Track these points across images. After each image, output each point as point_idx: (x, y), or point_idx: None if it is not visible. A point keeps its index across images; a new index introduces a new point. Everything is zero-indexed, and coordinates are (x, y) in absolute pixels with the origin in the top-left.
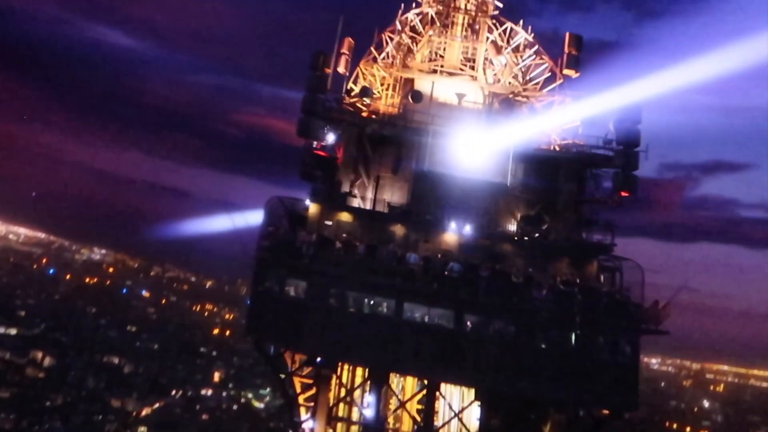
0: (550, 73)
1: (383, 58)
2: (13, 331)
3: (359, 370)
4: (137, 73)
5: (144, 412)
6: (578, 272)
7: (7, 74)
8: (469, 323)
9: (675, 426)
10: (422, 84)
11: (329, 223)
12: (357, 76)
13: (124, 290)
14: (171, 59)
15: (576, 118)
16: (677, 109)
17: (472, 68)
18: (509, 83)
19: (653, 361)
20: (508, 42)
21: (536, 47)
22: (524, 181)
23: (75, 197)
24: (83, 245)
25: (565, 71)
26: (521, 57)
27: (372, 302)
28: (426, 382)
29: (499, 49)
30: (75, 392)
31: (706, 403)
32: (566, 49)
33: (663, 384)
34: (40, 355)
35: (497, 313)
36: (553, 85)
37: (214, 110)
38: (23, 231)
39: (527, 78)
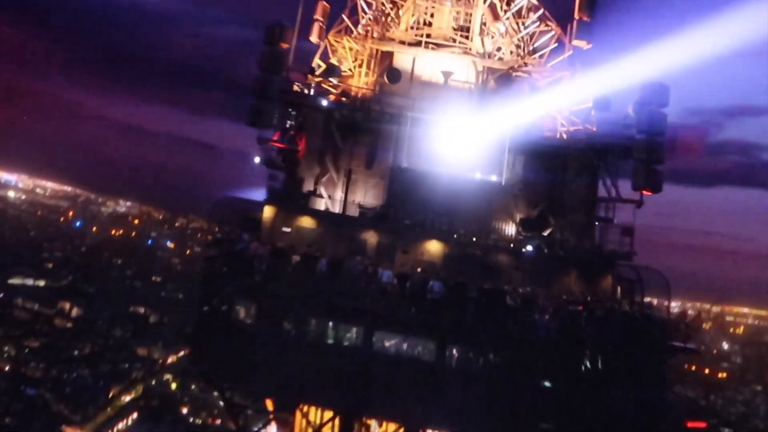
0: (556, 44)
1: (359, 28)
2: (41, 283)
3: None
4: (160, 27)
5: (169, 360)
6: (589, 287)
7: (29, 30)
8: (454, 355)
9: (694, 368)
10: (403, 59)
11: (287, 230)
12: (325, 51)
13: (150, 242)
14: (193, 12)
15: (588, 99)
16: (701, 52)
17: (466, 38)
18: (510, 53)
19: (673, 304)
20: (508, 5)
21: (541, 11)
22: (524, 175)
23: (100, 151)
24: (109, 198)
25: (575, 42)
26: (523, 24)
27: (336, 330)
28: None
29: (497, 15)
30: (102, 341)
31: (725, 345)
32: (576, 15)
33: (682, 327)
34: (68, 305)
35: (489, 344)
36: (561, 58)
37: (236, 63)
38: (50, 185)
39: (530, 48)
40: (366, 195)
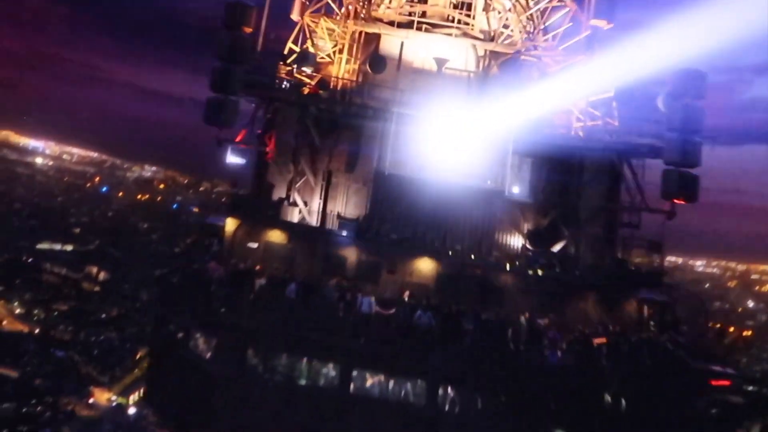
0: (571, 23)
1: (341, 7)
2: (69, 248)
3: None
4: None
5: None
6: (611, 313)
7: None
8: (449, 398)
9: (719, 326)
10: (391, 43)
11: (254, 245)
12: (301, 33)
13: (175, 206)
14: None
15: (608, 89)
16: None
17: (467, 16)
18: (520, 32)
19: (698, 263)
20: None
21: None
22: (532, 180)
23: (126, 117)
24: (134, 163)
25: (594, 21)
26: None
27: (308, 369)
28: None
29: None
30: (129, 304)
31: (750, 303)
32: None
33: (707, 285)
34: (95, 270)
35: (489, 385)
36: (576, 39)
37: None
38: (76, 151)
39: (540, 28)
40: (347, 203)
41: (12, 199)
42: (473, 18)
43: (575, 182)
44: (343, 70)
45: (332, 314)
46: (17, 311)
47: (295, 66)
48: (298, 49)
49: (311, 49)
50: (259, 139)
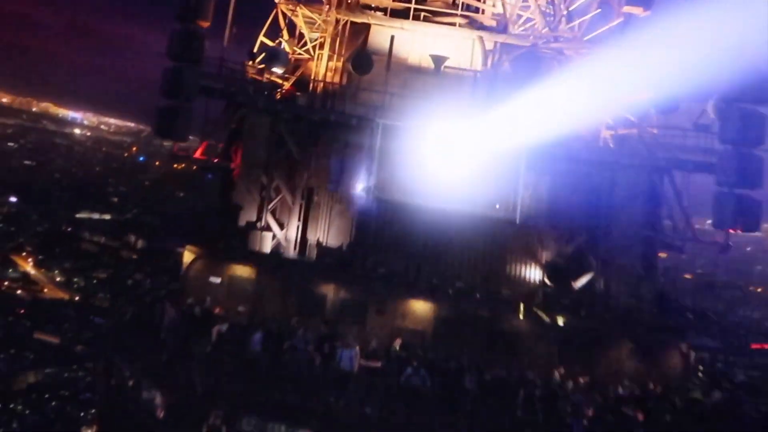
0: (600, 9)
1: None
2: (107, 217)
3: None
4: None
5: None
6: (651, 366)
7: None
8: None
9: (759, 290)
10: (382, 36)
11: (216, 280)
12: (275, 23)
13: (210, 175)
14: None
15: (645, 90)
16: None
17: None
18: (539, 18)
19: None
20: None
21: None
22: (551, 201)
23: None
24: None
25: (627, 8)
26: None
27: None
28: None
29: None
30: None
31: None
32: None
33: (749, 249)
34: (133, 238)
35: None
36: (606, 28)
37: None
38: (114, 121)
39: (562, 14)
40: (329, 227)
41: (51, 169)
42: (483, 2)
43: (605, 204)
44: (324, 69)
45: (305, 370)
46: (58, 279)
47: (264, 65)
48: (270, 43)
49: (285, 46)
50: (223, 152)
